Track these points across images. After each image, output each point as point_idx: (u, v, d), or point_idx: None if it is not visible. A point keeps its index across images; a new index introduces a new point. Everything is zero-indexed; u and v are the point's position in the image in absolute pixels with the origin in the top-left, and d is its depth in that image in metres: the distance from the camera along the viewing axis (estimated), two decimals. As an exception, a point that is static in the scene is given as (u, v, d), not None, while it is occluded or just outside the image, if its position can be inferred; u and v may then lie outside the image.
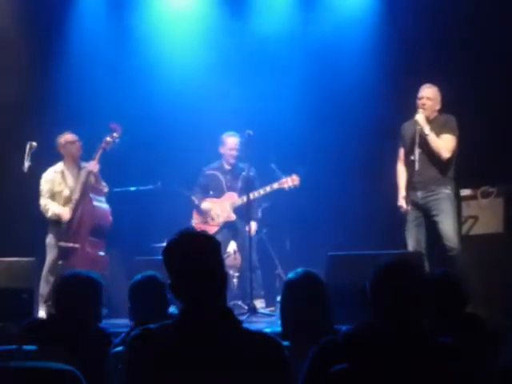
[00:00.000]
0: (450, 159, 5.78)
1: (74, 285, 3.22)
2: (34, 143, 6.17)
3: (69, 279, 3.28)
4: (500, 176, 6.29)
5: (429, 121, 5.82)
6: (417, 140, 5.73)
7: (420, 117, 5.77)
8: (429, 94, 5.87)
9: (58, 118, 7.09)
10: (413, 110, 5.91)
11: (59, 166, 6.47)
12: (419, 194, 5.83)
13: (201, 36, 7.71)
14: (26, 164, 6.11)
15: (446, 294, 3.15)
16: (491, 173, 6.30)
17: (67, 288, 3.22)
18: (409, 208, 5.87)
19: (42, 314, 5.85)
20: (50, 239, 6.33)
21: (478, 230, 6.16)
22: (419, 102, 5.85)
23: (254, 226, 6.69)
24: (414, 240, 5.79)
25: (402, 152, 6.06)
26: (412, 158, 5.77)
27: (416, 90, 5.93)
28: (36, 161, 6.20)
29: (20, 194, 6.40)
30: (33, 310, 5.28)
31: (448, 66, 6.59)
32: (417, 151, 5.71)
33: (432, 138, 5.74)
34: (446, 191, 5.79)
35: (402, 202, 5.91)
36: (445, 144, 5.76)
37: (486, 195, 6.28)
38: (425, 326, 2.23)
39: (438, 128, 5.80)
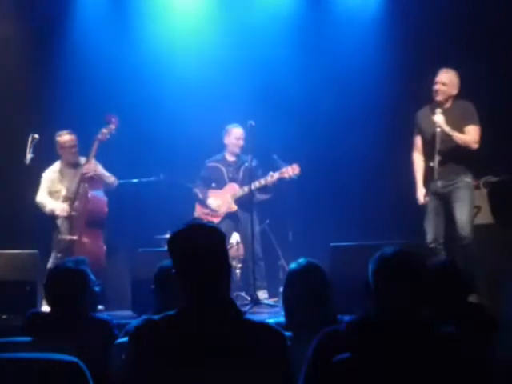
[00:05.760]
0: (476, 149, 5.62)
1: (58, 279, 3.22)
2: (36, 135, 6.18)
3: (53, 274, 3.29)
4: (502, 166, 6.29)
5: (444, 110, 5.65)
6: (437, 146, 5.55)
7: (439, 118, 5.59)
8: (444, 79, 5.69)
9: (58, 111, 7.08)
10: (424, 97, 5.78)
11: (57, 165, 6.50)
12: (439, 183, 5.67)
13: (201, 26, 7.65)
14: (29, 156, 6.13)
15: (447, 283, 3.15)
16: (493, 163, 6.29)
17: (52, 284, 3.23)
18: (427, 198, 5.73)
19: (45, 306, 5.87)
20: (54, 234, 6.37)
21: (480, 219, 6.16)
22: (434, 87, 5.70)
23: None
24: (432, 229, 5.70)
25: (418, 140, 5.88)
26: (431, 164, 5.63)
27: (428, 75, 5.79)
28: (38, 153, 6.20)
29: (22, 186, 6.41)
30: (36, 302, 5.29)
31: (452, 55, 6.55)
32: (436, 158, 5.56)
33: (456, 136, 5.56)
34: (467, 179, 5.67)
35: (420, 197, 5.78)
36: (471, 137, 5.59)
37: (488, 185, 6.28)
38: (426, 315, 2.23)
39: (458, 119, 5.63)
